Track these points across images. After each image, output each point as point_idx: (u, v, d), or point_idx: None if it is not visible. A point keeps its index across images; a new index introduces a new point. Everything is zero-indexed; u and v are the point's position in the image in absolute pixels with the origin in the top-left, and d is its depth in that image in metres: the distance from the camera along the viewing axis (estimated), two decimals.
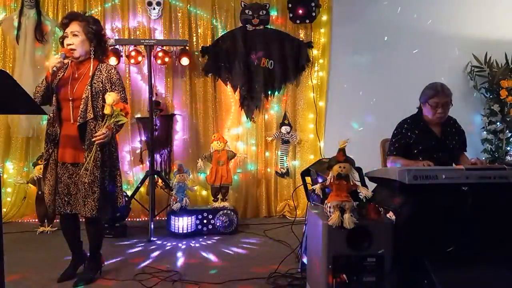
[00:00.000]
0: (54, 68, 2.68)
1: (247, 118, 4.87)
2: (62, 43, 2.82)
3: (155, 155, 4.47)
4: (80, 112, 2.70)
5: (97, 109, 2.73)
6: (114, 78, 2.79)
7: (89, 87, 2.71)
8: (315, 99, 4.89)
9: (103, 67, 2.81)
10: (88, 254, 3.01)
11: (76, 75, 2.78)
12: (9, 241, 3.69)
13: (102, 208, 2.76)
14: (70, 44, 2.74)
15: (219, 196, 4.27)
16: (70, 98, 2.72)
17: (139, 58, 4.51)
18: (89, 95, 2.70)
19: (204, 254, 3.61)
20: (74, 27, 2.75)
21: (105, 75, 2.77)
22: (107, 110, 2.67)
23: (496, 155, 4.85)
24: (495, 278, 2.33)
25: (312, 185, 2.95)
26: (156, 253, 3.60)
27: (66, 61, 2.75)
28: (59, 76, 2.78)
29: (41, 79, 2.86)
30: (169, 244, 3.85)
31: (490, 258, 2.33)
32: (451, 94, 3.02)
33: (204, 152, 4.49)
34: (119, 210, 3.99)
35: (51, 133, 2.77)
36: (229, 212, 4.17)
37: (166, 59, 4.54)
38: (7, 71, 4.14)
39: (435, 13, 4.89)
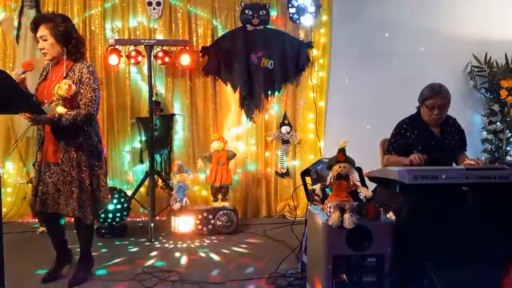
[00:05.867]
0: None
1: (247, 118, 4.87)
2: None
3: (155, 155, 4.47)
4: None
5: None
6: (84, 77, 2.72)
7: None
8: (315, 99, 4.89)
9: (76, 67, 2.76)
10: (79, 254, 3.01)
11: (53, 78, 2.77)
12: (9, 241, 3.69)
13: (83, 208, 2.75)
14: (42, 49, 2.73)
15: (219, 196, 4.27)
16: (46, 101, 2.71)
17: (139, 58, 4.50)
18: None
19: (204, 254, 3.62)
20: (42, 31, 2.71)
21: (77, 75, 2.72)
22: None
23: (496, 155, 4.85)
24: (495, 278, 2.33)
25: (312, 185, 2.96)
26: (156, 253, 3.60)
27: (22, 76, 2.70)
28: (40, 79, 2.80)
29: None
30: (169, 244, 3.85)
31: (490, 258, 2.34)
32: (450, 95, 2.99)
33: (204, 152, 4.49)
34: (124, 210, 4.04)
35: (38, 136, 2.81)
36: (229, 212, 4.17)
37: (166, 59, 4.54)
38: (7, 71, 4.15)
39: (435, 13, 4.89)
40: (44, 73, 2.85)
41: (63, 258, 3.02)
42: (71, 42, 2.78)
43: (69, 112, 2.65)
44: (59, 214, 2.83)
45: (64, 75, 2.73)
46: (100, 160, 2.86)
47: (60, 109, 2.63)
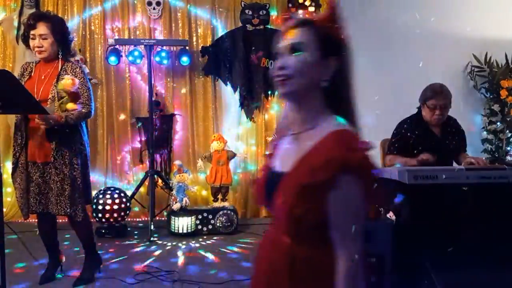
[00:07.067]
0: None
1: (247, 118, 4.86)
2: (23, 40, 2.80)
3: (155, 155, 4.47)
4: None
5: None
6: (79, 77, 2.75)
7: (55, 88, 2.70)
8: None
9: (68, 66, 2.78)
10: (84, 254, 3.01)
11: (43, 77, 2.76)
12: (9, 241, 3.69)
13: (75, 205, 2.75)
14: (40, 47, 2.71)
15: (219, 196, 4.27)
16: (38, 99, 2.66)
17: (139, 58, 4.50)
18: (55, 96, 2.69)
19: (204, 254, 3.61)
20: (42, 29, 2.70)
21: (70, 74, 2.74)
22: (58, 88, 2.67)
23: (496, 155, 4.85)
24: (496, 279, 2.33)
25: None
26: (156, 253, 3.60)
27: None
28: (24, 79, 2.78)
29: None
30: (169, 244, 3.85)
31: (490, 259, 2.33)
32: (451, 96, 2.98)
33: (204, 152, 4.49)
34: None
35: (18, 136, 2.78)
36: (229, 212, 4.17)
37: (166, 59, 4.54)
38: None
39: (435, 13, 4.88)
40: (26, 73, 2.81)
41: (55, 258, 3.01)
42: (67, 43, 2.83)
43: (72, 112, 2.67)
44: (51, 214, 2.83)
45: (56, 74, 2.74)
46: (87, 159, 2.90)
47: (71, 105, 2.65)
